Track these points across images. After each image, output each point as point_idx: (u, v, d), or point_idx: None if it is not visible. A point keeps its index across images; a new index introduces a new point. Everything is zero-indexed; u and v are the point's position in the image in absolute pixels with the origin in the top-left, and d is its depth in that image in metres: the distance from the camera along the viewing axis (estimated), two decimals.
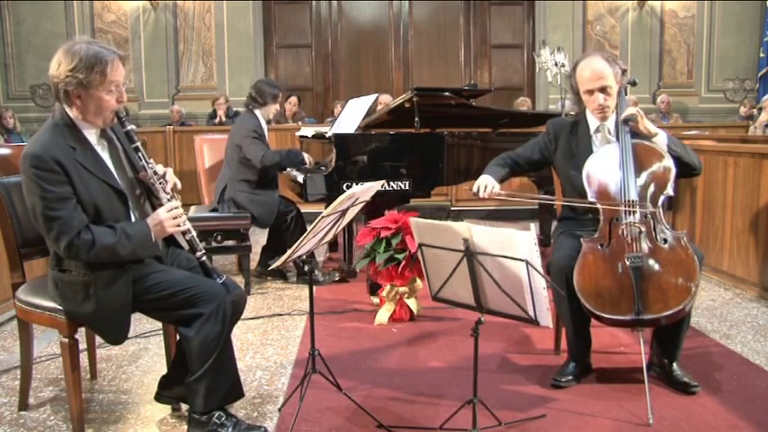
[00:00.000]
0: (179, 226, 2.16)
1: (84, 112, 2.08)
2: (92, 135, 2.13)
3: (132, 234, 2.06)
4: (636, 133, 2.61)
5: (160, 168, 2.19)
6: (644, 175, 2.55)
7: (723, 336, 3.20)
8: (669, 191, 2.54)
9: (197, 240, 2.23)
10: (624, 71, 2.69)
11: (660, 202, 2.54)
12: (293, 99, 8.31)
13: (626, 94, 2.71)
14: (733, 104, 9.18)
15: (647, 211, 2.49)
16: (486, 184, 2.68)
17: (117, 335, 2.15)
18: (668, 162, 2.56)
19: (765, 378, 2.68)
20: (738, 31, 9.24)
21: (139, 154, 2.16)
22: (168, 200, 2.16)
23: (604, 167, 2.59)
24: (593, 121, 2.71)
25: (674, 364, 2.58)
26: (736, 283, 4.06)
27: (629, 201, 2.49)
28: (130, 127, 2.17)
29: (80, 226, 2.00)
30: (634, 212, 2.47)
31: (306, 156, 4.19)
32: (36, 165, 1.96)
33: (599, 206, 2.56)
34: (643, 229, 2.46)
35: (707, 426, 2.26)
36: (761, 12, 9.08)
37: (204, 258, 2.22)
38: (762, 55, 8.96)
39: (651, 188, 2.54)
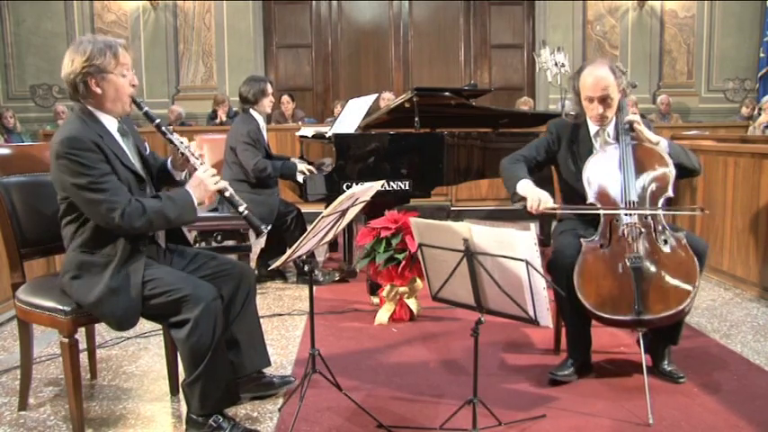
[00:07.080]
0: (217, 183, 2.20)
1: (104, 100, 2.13)
2: (112, 126, 2.19)
3: (175, 197, 2.15)
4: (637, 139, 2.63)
5: (185, 139, 2.27)
6: (644, 177, 2.57)
7: (723, 336, 3.20)
8: (669, 192, 2.55)
9: (236, 196, 2.26)
10: (628, 82, 2.67)
11: (660, 204, 2.55)
12: (285, 98, 8.28)
13: (625, 96, 2.72)
14: (733, 104, 9.17)
15: (647, 212, 2.49)
16: (540, 198, 2.51)
17: (126, 318, 2.13)
18: (668, 164, 2.57)
19: (765, 378, 2.68)
20: (738, 31, 9.23)
21: (163, 128, 2.23)
22: (200, 164, 2.22)
23: (604, 169, 2.60)
24: (593, 125, 2.72)
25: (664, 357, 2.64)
26: (736, 283, 4.06)
27: (629, 201, 2.50)
28: (147, 108, 2.24)
29: (127, 195, 2.07)
30: (635, 214, 2.48)
31: (302, 168, 4.12)
32: (75, 146, 2.02)
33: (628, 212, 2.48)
34: (643, 230, 2.47)
35: (707, 426, 2.26)
36: (761, 12, 9.07)
37: (247, 212, 2.25)
38: (762, 55, 8.95)
39: (651, 190, 2.55)
